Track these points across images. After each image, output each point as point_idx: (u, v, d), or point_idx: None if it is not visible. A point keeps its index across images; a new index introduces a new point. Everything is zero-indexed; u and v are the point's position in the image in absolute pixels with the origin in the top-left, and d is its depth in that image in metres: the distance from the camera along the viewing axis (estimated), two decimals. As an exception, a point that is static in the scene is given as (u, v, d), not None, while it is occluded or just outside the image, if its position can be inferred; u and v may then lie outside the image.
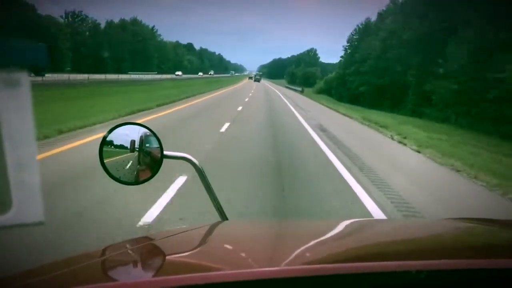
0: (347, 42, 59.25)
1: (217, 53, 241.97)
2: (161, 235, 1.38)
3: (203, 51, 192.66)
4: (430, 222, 2.77)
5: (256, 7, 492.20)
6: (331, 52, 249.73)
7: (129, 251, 1.17)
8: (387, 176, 7.23)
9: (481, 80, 23.47)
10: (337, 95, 52.70)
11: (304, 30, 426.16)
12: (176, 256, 1.06)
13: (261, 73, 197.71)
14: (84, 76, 47.03)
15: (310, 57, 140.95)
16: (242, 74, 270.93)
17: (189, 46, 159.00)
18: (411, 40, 34.52)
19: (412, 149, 11.00)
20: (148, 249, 1.17)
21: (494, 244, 1.21)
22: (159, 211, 4.65)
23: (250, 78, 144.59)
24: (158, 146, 1.24)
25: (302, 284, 0.79)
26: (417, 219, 4.68)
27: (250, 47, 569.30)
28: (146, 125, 1.24)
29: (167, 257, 1.05)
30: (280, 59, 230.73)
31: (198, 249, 1.12)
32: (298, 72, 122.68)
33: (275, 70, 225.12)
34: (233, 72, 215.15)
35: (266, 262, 0.99)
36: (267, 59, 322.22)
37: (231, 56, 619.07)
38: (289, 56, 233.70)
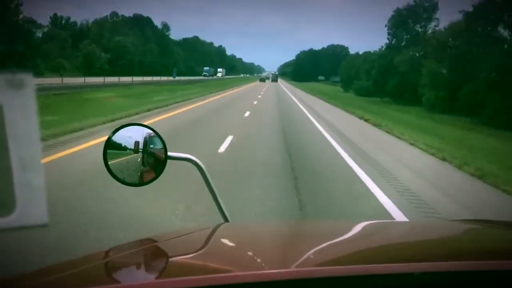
0: None
1: (216, 45, 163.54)
2: (165, 237, 1.37)
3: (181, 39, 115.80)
4: (434, 223, 2.77)
5: (277, 7, 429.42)
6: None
7: (132, 253, 1.16)
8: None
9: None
10: None
11: (331, 29, 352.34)
12: (181, 258, 1.05)
13: (277, 73, 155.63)
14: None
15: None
16: (255, 75, 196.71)
17: (139, 20, 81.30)
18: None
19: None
20: (152, 251, 1.17)
21: (498, 246, 1.20)
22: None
23: (262, 80, 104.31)
24: (162, 147, 1.23)
25: (304, 286, 0.79)
26: (421, 219, 4.59)
27: (270, 47, 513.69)
28: None
29: (172, 259, 1.05)
30: (311, 52, 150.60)
31: (203, 250, 1.12)
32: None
33: (304, 68, 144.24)
34: (220, 71, 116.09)
35: (276, 264, 0.98)
36: (289, 58, 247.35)
37: (247, 56, 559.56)
38: (325, 46, 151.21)
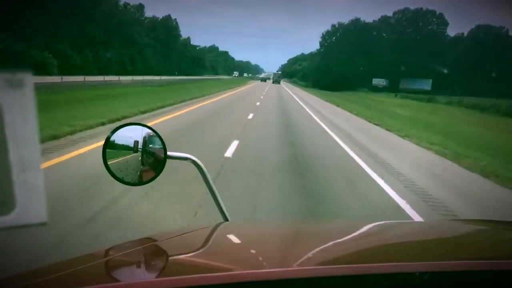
0: None
1: (160, 17, 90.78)
2: (165, 236, 1.37)
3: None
4: (435, 223, 2.77)
5: (280, 7, 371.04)
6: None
7: (132, 251, 1.16)
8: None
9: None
10: None
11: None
12: (181, 257, 1.05)
13: (279, 72, 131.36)
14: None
15: None
16: (233, 75, 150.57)
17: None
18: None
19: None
20: (152, 250, 1.17)
21: (500, 246, 1.20)
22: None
23: (263, 80, 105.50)
24: (162, 146, 1.23)
25: (304, 285, 0.79)
26: (423, 220, 4.68)
27: (271, 46, 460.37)
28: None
29: (172, 258, 1.05)
30: (357, 26, 74.07)
31: (203, 249, 1.12)
32: None
33: (338, 62, 64.66)
34: None
35: (277, 263, 0.99)
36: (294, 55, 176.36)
37: (242, 54, 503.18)
38: (389, 14, 73.78)
